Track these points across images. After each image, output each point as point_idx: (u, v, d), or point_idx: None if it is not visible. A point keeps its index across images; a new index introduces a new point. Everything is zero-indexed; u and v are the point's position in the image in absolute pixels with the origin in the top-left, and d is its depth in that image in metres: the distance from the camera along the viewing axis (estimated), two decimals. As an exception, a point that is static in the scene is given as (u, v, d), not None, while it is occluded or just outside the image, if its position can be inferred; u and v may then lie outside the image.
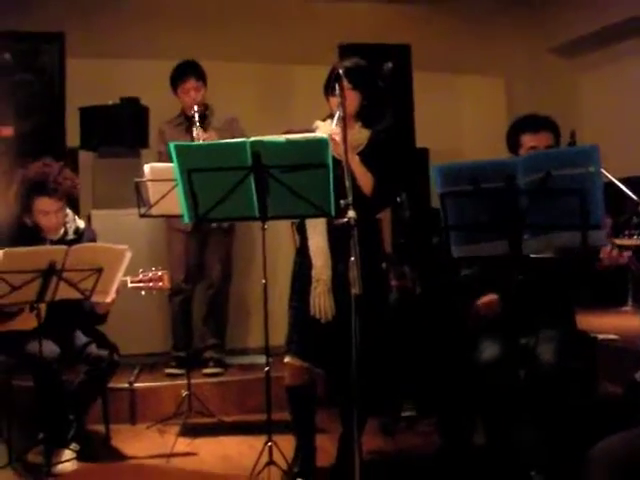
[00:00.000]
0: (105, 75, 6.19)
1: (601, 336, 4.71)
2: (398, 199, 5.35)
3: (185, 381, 4.80)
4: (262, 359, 3.94)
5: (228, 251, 5.59)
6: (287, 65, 6.76)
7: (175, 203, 3.75)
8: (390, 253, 5.24)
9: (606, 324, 5.55)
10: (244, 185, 3.21)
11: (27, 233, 4.10)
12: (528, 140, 3.60)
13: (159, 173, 4.26)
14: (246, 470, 3.59)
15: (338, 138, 3.32)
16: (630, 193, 3.78)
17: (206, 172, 3.22)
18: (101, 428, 4.44)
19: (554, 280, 3.50)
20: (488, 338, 3.55)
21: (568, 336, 3.53)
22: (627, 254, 3.16)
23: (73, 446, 4.01)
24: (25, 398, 4.15)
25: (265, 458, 3.51)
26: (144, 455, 4.32)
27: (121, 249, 3.70)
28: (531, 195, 2.74)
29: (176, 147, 3.23)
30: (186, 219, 3.36)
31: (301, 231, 3.79)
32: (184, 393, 4.76)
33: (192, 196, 3.27)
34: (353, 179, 3.31)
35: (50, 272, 3.48)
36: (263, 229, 3.41)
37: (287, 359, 3.73)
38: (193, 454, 4.38)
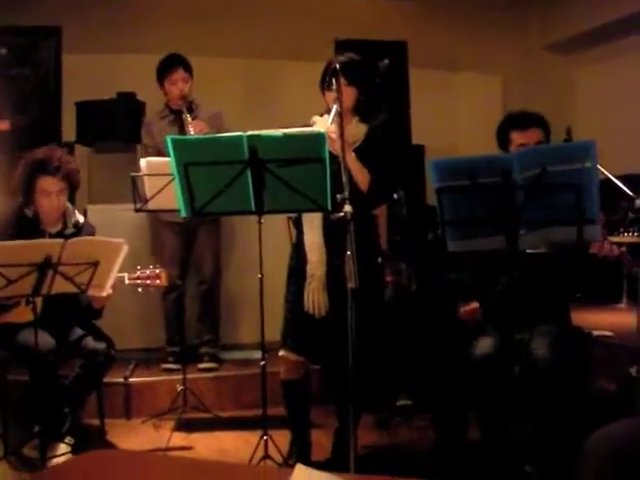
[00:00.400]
0: (101, 70, 6.19)
1: (596, 332, 4.73)
2: (395, 196, 5.35)
3: (180, 376, 4.80)
4: (256, 354, 3.95)
5: (217, 245, 5.59)
6: (283, 60, 6.76)
7: (171, 198, 3.76)
8: (386, 249, 5.24)
9: (601, 321, 5.57)
10: (241, 179, 3.21)
11: (27, 225, 4.12)
12: (517, 137, 3.58)
13: (155, 167, 4.26)
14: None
15: (335, 135, 3.33)
16: (626, 189, 3.78)
17: (203, 166, 3.22)
18: (96, 422, 4.44)
19: (549, 276, 3.51)
20: (482, 333, 3.57)
21: (563, 332, 3.54)
22: (621, 248, 3.17)
23: (68, 440, 4.01)
24: (20, 392, 4.14)
25: (261, 452, 3.52)
26: (139, 450, 4.31)
27: (117, 243, 3.69)
28: (527, 190, 2.75)
29: (173, 141, 3.23)
30: (183, 213, 3.36)
31: (298, 226, 3.80)
32: (179, 388, 4.76)
33: (189, 190, 3.27)
34: (349, 174, 3.31)
35: (46, 266, 3.47)
36: (259, 223, 3.41)
37: (282, 353, 3.73)
38: (188, 448, 4.39)
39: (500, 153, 3.59)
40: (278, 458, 3.58)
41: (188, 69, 5.26)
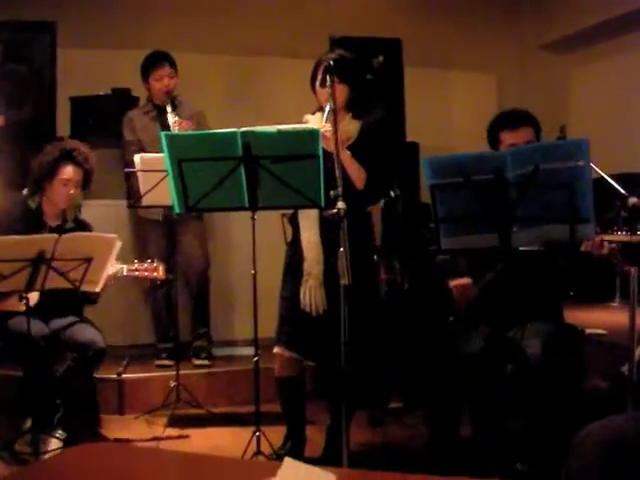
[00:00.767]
0: (96, 65, 6.17)
1: (589, 330, 4.73)
2: (392, 194, 5.35)
3: (173, 372, 4.81)
4: (248, 351, 3.95)
5: (204, 241, 5.57)
6: (277, 58, 6.74)
7: (164, 194, 3.76)
8: (380, 247, 5.24)
9: (594, 319, 5.58)
10: (234, 175, 3.22)
11: (30, 216, 4.20)
12: (507, 137, 3.56)
13: (149, 163, 4.27)
14: (234, 460, 3.61)
15: (328, 133, 3.33)
16: (619, 188, 3.79)
17: (196, 162, 3.22)
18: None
19: (541, 273, 3.51)
20: (474, 330, 3.56)
21: (555, 330, 3.54)
22: (611, 246, 3.17)
23: (60, 434, 4.00)
24: (12, 388, 4.15)
25: (253, 448, 3.52)
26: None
27: (111, 238, 3.70)
28: (520, 188, 2.75)
29: (167, 137, 3.24)
30: (177, 209, 3.37)
31: (293, 223, 3.80)
32: (172, 384, 4.77)
33: (182, 186, 3.27)
34: (343, 171, 3.31)
35: (39, 261, 3.47)
36: (253, 219, 3.42)
37: (277, 350, 3.74)
38: (185, 437, 4.43)
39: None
40: (270, 454, 3.59)
41: (173, 65, 5.26)
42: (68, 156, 4.18)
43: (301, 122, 3.73)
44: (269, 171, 3.18)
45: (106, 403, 4.78)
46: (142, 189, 4.33)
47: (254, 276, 3.50)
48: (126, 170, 4.33)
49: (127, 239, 5.52)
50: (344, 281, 3.02)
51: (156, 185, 4.19)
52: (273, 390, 3.82)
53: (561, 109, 7.32)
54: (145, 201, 4.37)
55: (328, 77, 3.38)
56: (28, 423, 3.96)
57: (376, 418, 4.65)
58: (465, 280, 3.67)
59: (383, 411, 4.73)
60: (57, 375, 4.04)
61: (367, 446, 4.31)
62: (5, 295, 3.79)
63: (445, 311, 3.77)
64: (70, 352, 4.08)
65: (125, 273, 4.06)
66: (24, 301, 3.61)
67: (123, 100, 5.87)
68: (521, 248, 3.08)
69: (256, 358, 3.55)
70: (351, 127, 3.66)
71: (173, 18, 6.50)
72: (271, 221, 4.53)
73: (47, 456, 3.85)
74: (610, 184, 3.81)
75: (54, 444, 3.95)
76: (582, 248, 3.22)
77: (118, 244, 3.73)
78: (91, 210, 5.22)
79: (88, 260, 3.59)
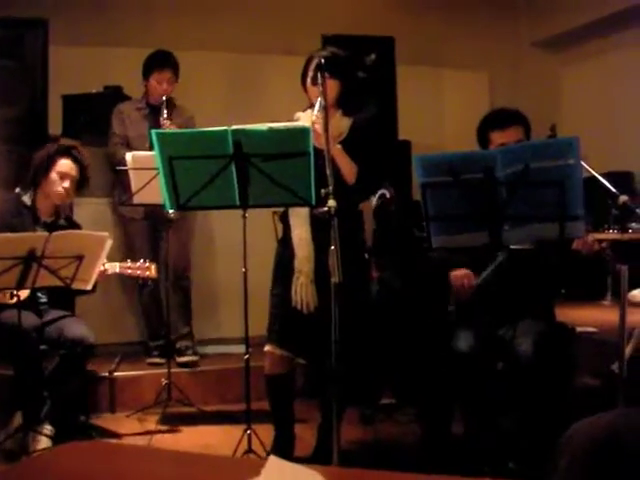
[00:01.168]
0: (89, 63, 6.15)
1: (580, 328, 4.74)
2: (387, 195, 5.33)
3: (165, 370, 4.81)
4: (238, 349, 3.95)
5: (188, 239, 5.54)
6: (270, 55, 6.74)
7: (156, 192, 3.75)
8: (371, 245, 5.24)
9: (585, 317, 5.59)
10: (225, 173, 3.22)
11: (24, 212, 4.22)
12: (497, 137, 3.56)
13: (141, 161, 4.26)
14: (225, 458, 3.60)
15: (319, 126, 3.32)
16: (610, 186, 3.79)
17: (187, 160, 3.22)
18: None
19: (533, 272, 3.51)
20: (465, 328, 3.56)
21: (547, 328, 3.54)
22: (602, 244, 3.18)
23: (49, 431, 3.98)
24: (1, 387, 4.14)
25: (244, 446, 3.52)
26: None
27: (102, 236, 3.70)
28: (510, 187, 2.75)
29: (157, 134, 3.23)
30: (167, 207, 3.37)
31: (284, 221, 3.80)
32: (164, 382, 4.77)
33: (173, 184, 3.27)
34: (334, 168, 3.31)
35: (30, 259, 3.47)
36: (244, 217, 3.42)
37: (267, 348, 3.73)
38: (177, 431, 4.47)
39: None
40: (262, 452, 3.59)
41: (176, 71, 5.24)
42: (66, 151, 4.26)
43: (293, 120, 3.72)
44: (260, 169, 3.18)
45: (98, 401, 4.79)
46: (134, 187, 4.32)
47: (245, 274, 3.50)
48: (117, 168, 4.32)
49: (113, 237, 5.51)
50: (335, 279, 3.02)
51: (147, 183, 4.18)
52: (264, 388, 3.82)
53: (552, 107, 7.33)
54: (136, 199, 4.36)
55: (319, 74, 3.38)
56: (17, 421, 3.95)
57: (367, 415, 4.65)
58: (465, 270, 3.62)
59: (374, 408, 4.73)
60: (46, 373, 4.04)
61: (358, 444, 4.31)
62: None
63: (443, 301, 3.73)
64: (59, 349, 4.06)
65: (118, 271, 4.08)
66: (15, 299, 3.61)
67: (115, 98, 5.85)
68: (512, 246, 3.08)
69: (247, 356, 3.55)
70: (342, 123, 3.66)
71: (167, 16, 6.50)
72: (260, 219, 4.53)
73: (36, 454, 3.85)
74: (601, 183, 3.81)
75: (44, 442, 3.94)
76: (573, 246, 3.22)
77: (109, 242, 3.73)
78: (78, 208, 5.21)
79: (79, 258, 3.59)
